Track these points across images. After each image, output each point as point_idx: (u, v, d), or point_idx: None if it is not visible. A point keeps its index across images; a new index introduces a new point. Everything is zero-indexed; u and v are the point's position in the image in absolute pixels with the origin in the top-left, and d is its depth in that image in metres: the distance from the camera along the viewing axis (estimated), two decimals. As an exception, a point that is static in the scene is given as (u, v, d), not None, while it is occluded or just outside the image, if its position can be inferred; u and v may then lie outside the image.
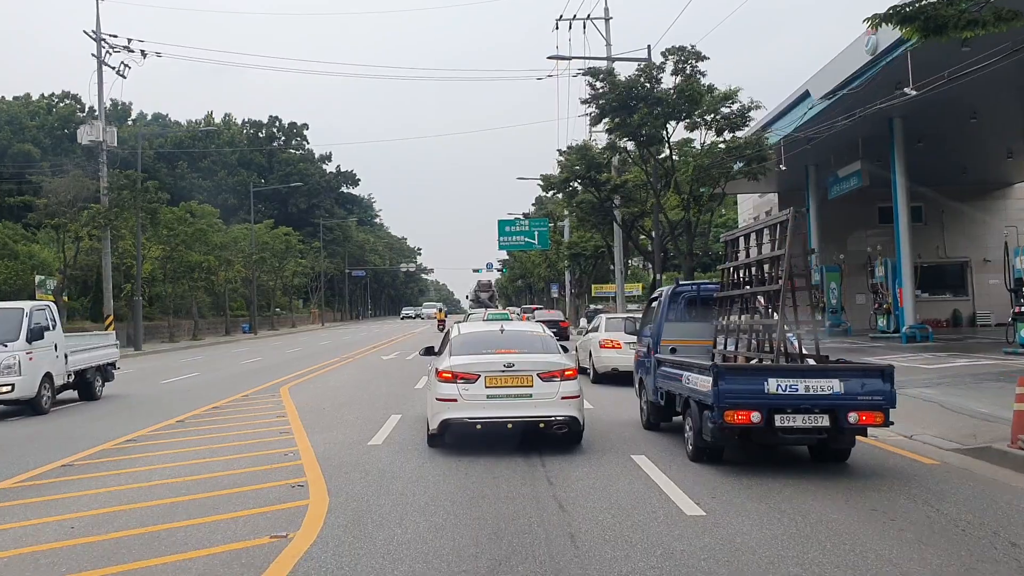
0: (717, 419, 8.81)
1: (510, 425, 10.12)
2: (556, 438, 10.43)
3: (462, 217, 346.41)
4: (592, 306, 65.12)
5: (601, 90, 24.57)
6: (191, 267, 47.94)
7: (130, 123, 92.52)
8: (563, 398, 10.10)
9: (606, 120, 26.04)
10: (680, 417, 10.58)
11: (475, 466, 9.29)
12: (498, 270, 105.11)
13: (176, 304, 51.84)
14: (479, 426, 10.07)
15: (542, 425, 10.04)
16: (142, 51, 36.91)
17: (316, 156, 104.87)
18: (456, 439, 10.49)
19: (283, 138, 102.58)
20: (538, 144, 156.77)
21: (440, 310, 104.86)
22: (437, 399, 10.28)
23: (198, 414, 14.41)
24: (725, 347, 11.11)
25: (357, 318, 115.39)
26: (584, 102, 25.17)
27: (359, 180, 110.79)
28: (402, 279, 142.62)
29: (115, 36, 36.00)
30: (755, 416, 8.68)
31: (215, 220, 48.65)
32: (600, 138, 35.45)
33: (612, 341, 18.83)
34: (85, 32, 35.56)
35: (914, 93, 21.07)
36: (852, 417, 8.67)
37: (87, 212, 34.29)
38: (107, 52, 36.03)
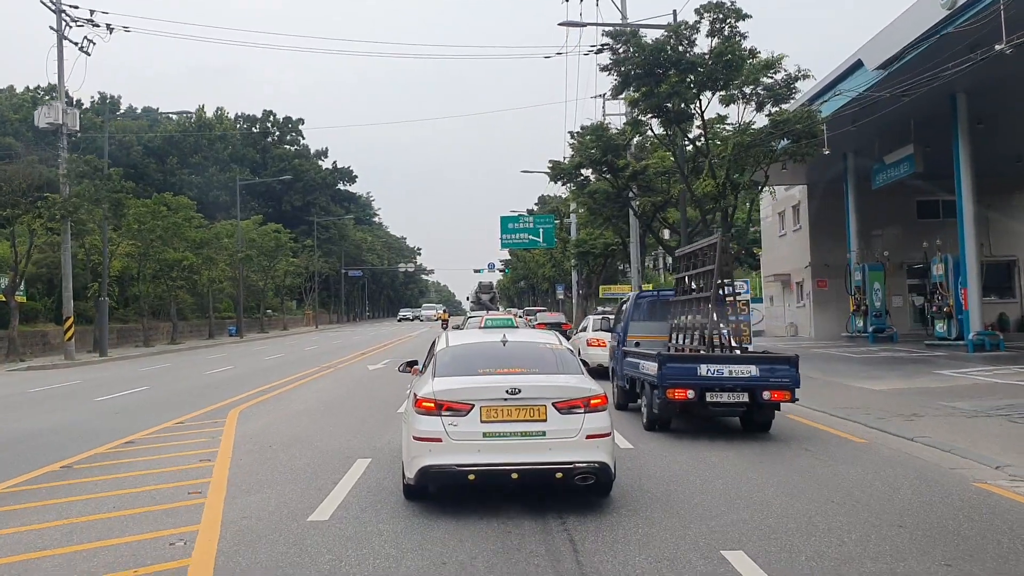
0: (661, 396, 11.29)
1: (515, 475, 7.19)
2: (579, 490, 7.42)
3: (463, 217, 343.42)
4: (600, 308, 61.40)
5: (623, 55, 20.87)
6: (169, 265, 44.24)
7: (119, 117, 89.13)
8: (588, 437, 7.32)
9: (628, 91, 22.35)
10: (640, 400, 12.77)
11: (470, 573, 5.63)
12: (500, 270, 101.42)
13: (154, 305, 48.16)
14: (472, 476, 7.14)
15: (559, 475, 7.22)
16: (107, 25, 33.38)
17: (312, 152, 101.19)
18: (440, 490, 7.52)
19: (277, 133, 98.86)
20: (543, 141, 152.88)
21: (444, 311, 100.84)
22: (415, 438, 7.32)
23: (100, 453, 10.75)
24: (678, 341, 13.62)
25: (354, 320, 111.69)
26: (604, 69, 21.45)
27: (356, 177, 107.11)
28: (401, 280, 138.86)
29: (75, 7, 32.39)
30: (690, 393, 11.07)
31: (192, 213, 44.75)
32: (615, 121, 31.80)
33: (598, 340, 20.11)
34: (42, 2, 31.90)
35: (1008, 51, 17.45)
36: (766, 395, 11.08)
37: (42, 202, 30.61)
38: (67, 25, 32.44)
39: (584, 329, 22.53)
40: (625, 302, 16.45)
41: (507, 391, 7.25)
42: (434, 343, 9.04)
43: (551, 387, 7.50)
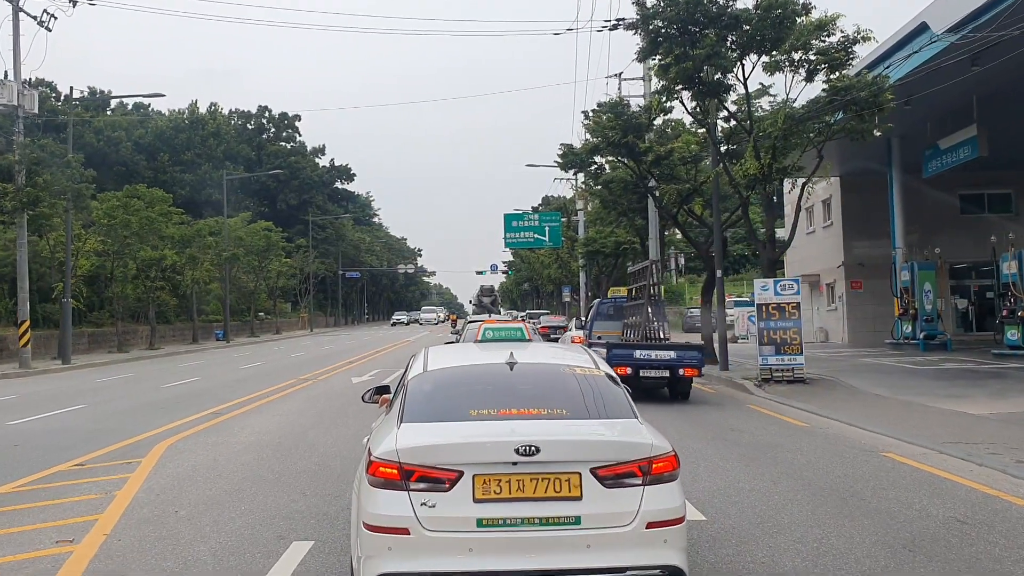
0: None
1: None
2: None
3: (466, 218, 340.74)
4: (610, 311, 57.89)
5: (653, 8, 17.50)
6: (147, 264, 40.93)
7: (109, 112, 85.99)
8: (650, 525, 4.44)
9: (655, 59, 19.03)
10: None
11: None
12: (503, 272, 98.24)
13: (133, 307, 44.92)
14: None
15: None
16: (69, -4, 30.10)
17: (309, 149, 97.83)
18: None
19: (273, 130, 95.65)
20: (549, 138, 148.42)
21: (453, 312, 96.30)
22: (368, 526, 4.42)
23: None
24: (628, 336, 19.40)
25: (352, 323, 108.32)
26: (630, 27, 18.09)
27: (354, 175, 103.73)
28: (402, 281, 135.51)
29: (33, -24, 29.18)
30: (629, 370, 15.14)
31: (169, 208, 41.32)
32: (633, 102, 28.46)
33: (579, 337, 23.22)
34: (-4, -30, 28.67)
35: None
36: (681, 372, 15.53)
37: (-9, 193, 27.35)
38: (23, -4, 29.23)
39: (569, 330, 29.57)
40: (592, 307, 23.33)
41: (517, 449, 4.35)
42: (408, 365, 5.81)
43: (588, 441, 4.64)
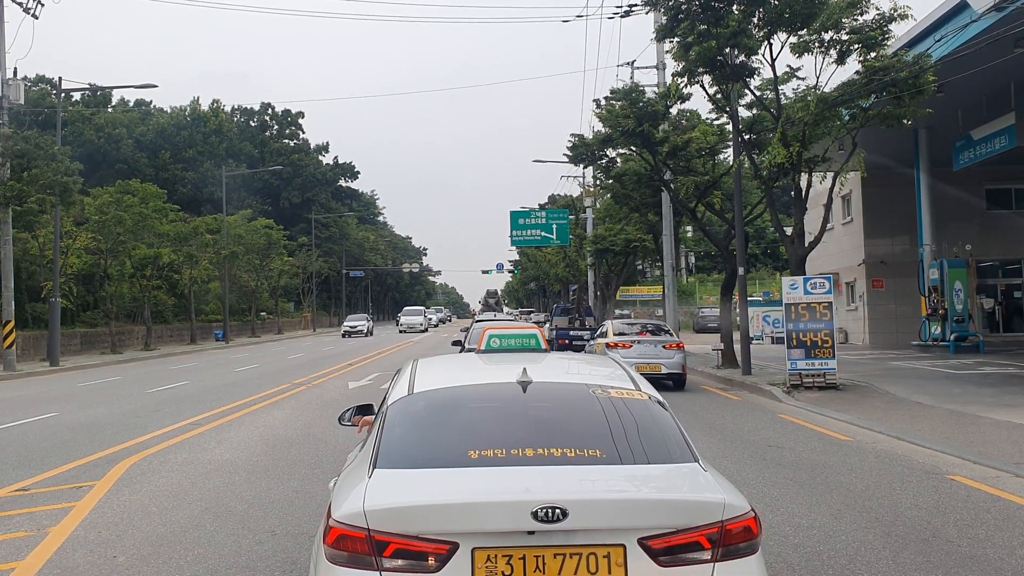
0: (556, 343, 31.30)
1: None
2: None
3: (472, 218, 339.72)
4: (618, 311, 56.42)
5: (675, -19, 16.16)
6: (143, 262, 39.70)
7: (110, 109, 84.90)
8: None
9: (674, 41, 17.63)
10: None
11: None
12: (509, 271, 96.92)
13: (129, 307, 43.76)
14: None
15: None
16: (57, -17, 28.77)
17: (312, 147, 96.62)
18: None
19: (276, 127, 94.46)
20: (556, 136, 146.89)
21: (473, 309, 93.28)
22: None
23: None
24: (570, 324, 36.35)
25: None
26: (647, 3, 16.71)
27: (358, 173, 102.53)
28: (407, 281, 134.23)
29: (19, -39, 27.92)
30: (565, 341, 31.96)
31: (163, 204, 40.05)
32: (646, 93, 27.07)
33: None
34: (-22, -47, 27.38)
35: None
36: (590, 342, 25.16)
37: (-29, 187, 26.08)
38: (9, -19, 27.96)
39: (547, 323, 42.63)
40: (553, 309, 45.67)
41: (536, 512, 3.09)
42: (391, 384, 4.46)
43: (636, 500, 3.34)
